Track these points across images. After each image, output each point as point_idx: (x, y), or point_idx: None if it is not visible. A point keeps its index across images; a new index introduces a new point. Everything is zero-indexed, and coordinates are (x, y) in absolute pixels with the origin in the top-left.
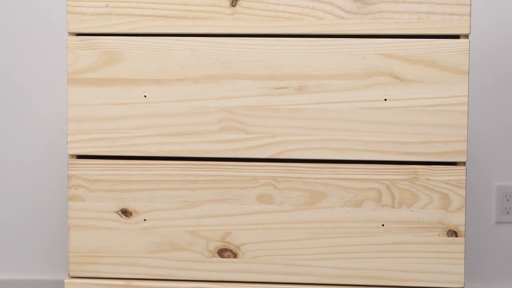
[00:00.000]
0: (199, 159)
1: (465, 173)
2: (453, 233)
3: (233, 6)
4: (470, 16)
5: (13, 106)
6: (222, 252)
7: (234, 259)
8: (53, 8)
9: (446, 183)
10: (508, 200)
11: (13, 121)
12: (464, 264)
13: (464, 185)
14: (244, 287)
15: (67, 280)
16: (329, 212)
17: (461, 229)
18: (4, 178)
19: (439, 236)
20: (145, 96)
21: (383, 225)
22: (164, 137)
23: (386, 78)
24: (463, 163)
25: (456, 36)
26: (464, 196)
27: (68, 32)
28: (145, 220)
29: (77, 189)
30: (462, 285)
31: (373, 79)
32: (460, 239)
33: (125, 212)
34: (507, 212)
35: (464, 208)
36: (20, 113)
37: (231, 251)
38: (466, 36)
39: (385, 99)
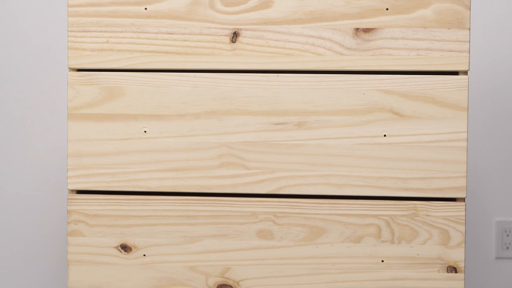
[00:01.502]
0: (199, 194)
1: (464, 209)
2: (453, 269)
3: (233, 42)
4: (469, 52)
5: (13, 141)
6: None
7: None
8: (54, 44)
9: (445, 219)
10: (508, 235)
11: (13, 156)
12: None
13: (464, 221)
14: None
15: None
16: (329, 247)
17: (461, 265)
18: (4, 212)
19: (439, 272)
20: (145, 132)
21: (382, 261)
22: (164, 173)
23: (386, 114)
24: (463, 199)
25: (455, 73)
26: (464, 232)
27: (69, 68)
28: (144, 255)
29: (76, 224)
30: None
31: (372, 115)
32: (460, 275)
33: (125, 247)
34: (507, 248)
35: (463, 244)
36: (20, 148)
37: (230, 286)
38: (465, 72)
39: (385, 135)
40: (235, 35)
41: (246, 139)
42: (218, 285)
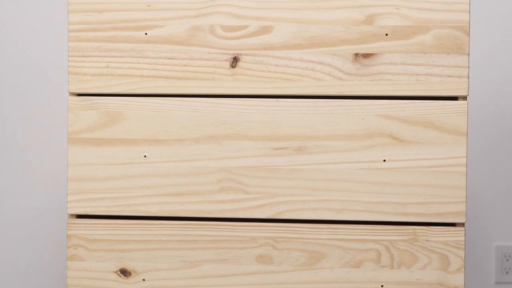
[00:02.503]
0: (199, 219)
1: (464, 234)
2: None
3: (233, 67)
4: (468, 78)
5: (13, 166)
6: None
7: None
8: (54, 69)
9: (445, 244)
10: (507, 260)
11: (13, 180)
12: None
13: (463, 246)
14: None
15: None
16: (329, 272)
17: None
18: (3, 237)
19: None
20: (145, 156)
21: (382, 286)
22: (163, 197)
23: (385, 139)
24: (462, 224)
25: (454, 98)
26: (463, 257)
27: (69, 92)
28: (144, 280)
29: (76, 248)
30: None
31: (372, 140)
32: None
33: (124, 272)
34: (507, 272)
35: (463, 269)
36: (20, 172)
37: None
38: (464, 97)
39: (384, 160)
40: (235, 60)
41: (246, 164)
42: None
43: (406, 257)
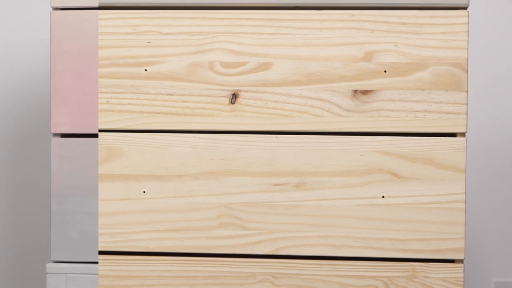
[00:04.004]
0: (198, 255)
1: (463, 271)
2: None
3: (232, 104)
4: (467, 114)
5: (12, 200)
6: None
7: None
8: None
9: (444, 280)
10: None
11: (12, 214)
12: None
13: (462, 283)
14: None
15: None
16: None
17: None
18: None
19: None
20: (144, 192)
21: None
22: (162, 233)
23: (384, 176)
24: (461, 261)
25: (453, 134)
26: None
27: None
28: None
29: None
30: None
31: (371, 176)
32: None
33: None
34: None
35: None
36: (19, 208)
37: None
38: (462, 134)
39: (383, 196)
40: (234, 96)
41: (245, 200)
42: None
43: None
